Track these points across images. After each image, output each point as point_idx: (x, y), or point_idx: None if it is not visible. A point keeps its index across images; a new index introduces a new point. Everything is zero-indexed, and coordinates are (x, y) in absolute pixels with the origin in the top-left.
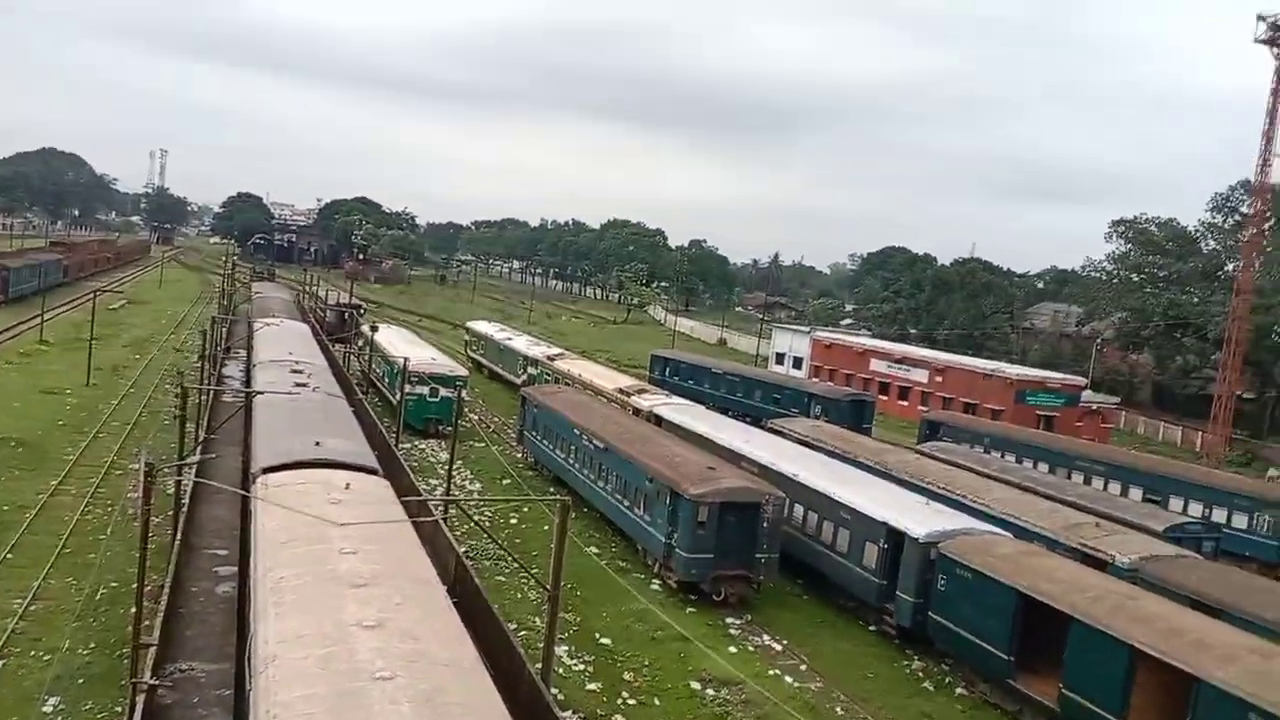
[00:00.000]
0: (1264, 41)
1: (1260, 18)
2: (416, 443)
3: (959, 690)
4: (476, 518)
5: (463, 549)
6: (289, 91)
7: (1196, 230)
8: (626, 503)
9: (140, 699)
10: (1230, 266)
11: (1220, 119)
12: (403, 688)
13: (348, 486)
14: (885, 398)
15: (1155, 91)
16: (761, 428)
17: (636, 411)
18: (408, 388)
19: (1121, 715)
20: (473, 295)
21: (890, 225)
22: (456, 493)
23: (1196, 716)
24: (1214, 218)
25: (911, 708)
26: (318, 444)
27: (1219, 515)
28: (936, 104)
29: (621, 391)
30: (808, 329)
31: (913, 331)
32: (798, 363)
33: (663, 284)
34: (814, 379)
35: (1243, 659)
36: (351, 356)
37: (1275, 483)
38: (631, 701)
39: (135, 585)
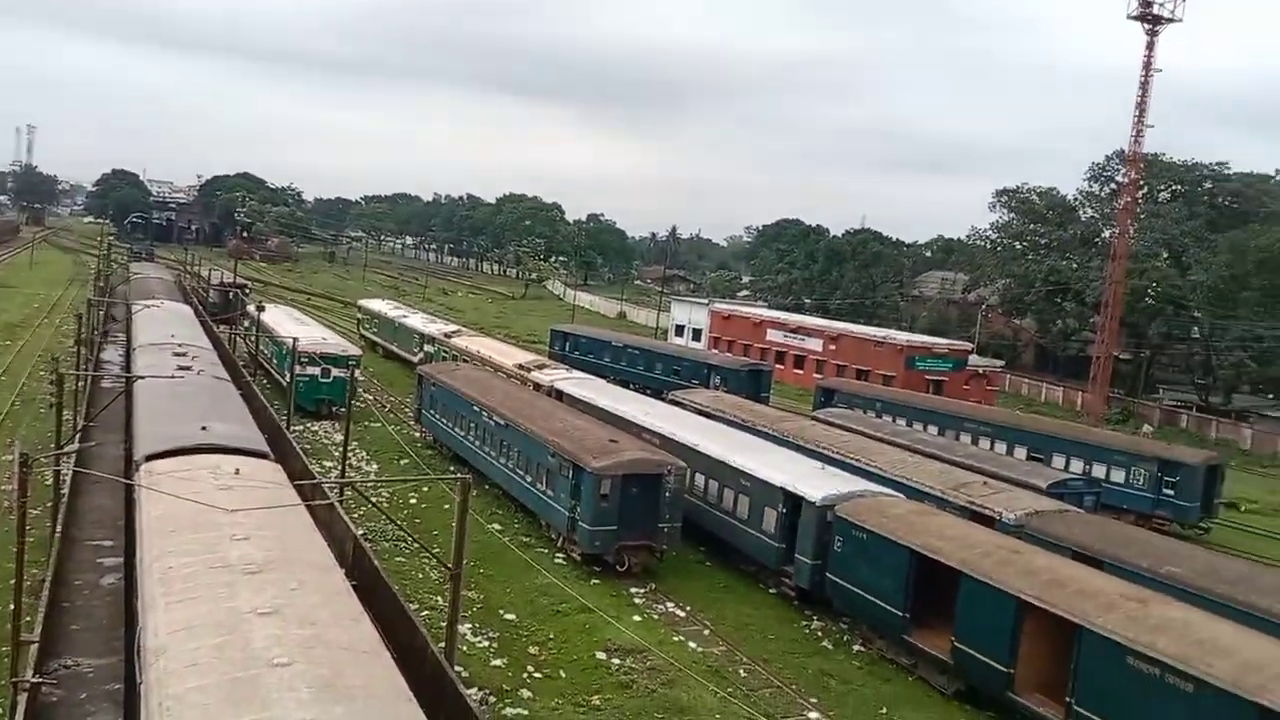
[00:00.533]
0: (1136, 17)
1: None
2: (309, 425)
3: (857, 647)
4: (374, 499)
5: (360, 531)
6: (165, 64)
7: (1075, 199)
8: (529, 478)
9: (23, 698)
10: (1107, 233)
11: (1099, 92)
12: (301, 673)
13: (237, 471)
14: (782, 367)
15: (1036, 67)
16: (662, 399)
17: (537, 387)
18: (298, 368)
19: (1010, 664)
20: (364, 272)
21: (785, 198)
22: (352, 474)
23: (1080, 661)
24: (1091, 187)
25: (811, 666)
26: (204, 429)
27: (1098, 471)
28: (828, 79)
29: (521, 367)
30: (706, 301)
31: (807, 301)
32: (697, 334)
33: (561, 258)
34: (713, 350)
35: (1121, 606)
36: (238, 338)
37: (1149, 438)
38: (537, 675)
39: (13, 580)
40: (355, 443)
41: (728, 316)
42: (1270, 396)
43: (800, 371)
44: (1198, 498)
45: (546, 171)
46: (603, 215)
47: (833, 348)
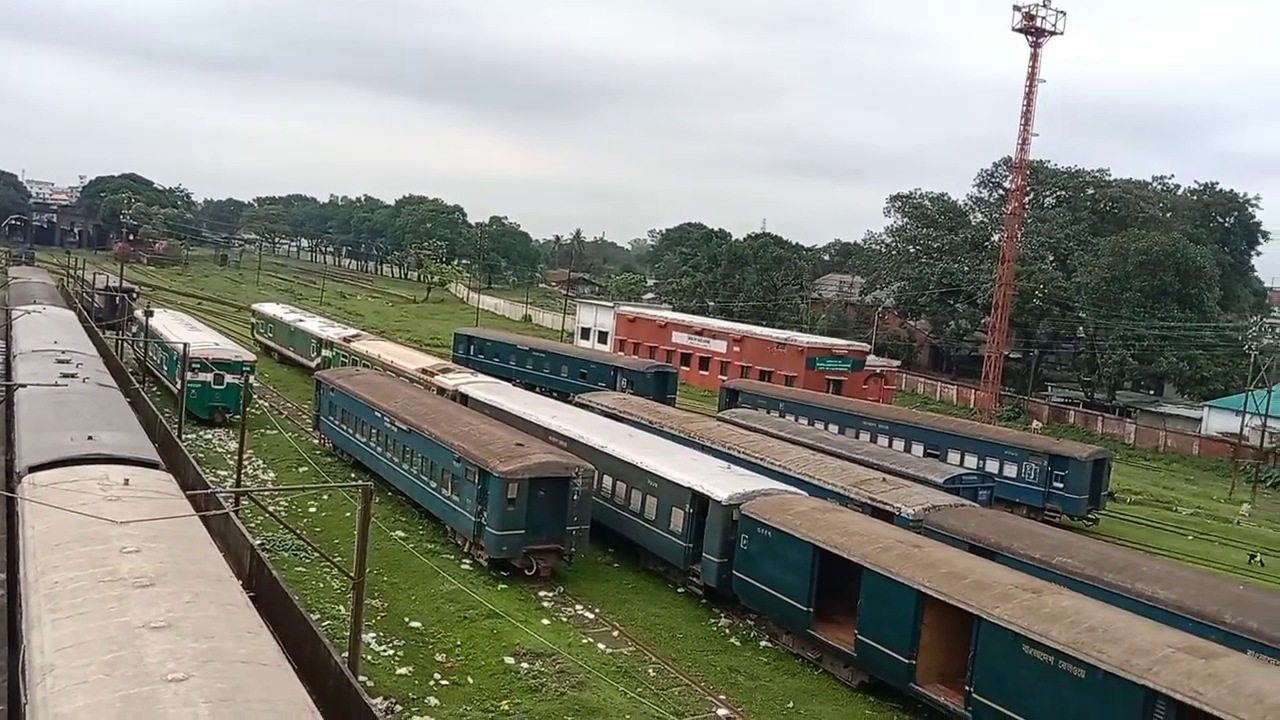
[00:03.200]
0: (1020, 30)
1: (1016, 8)
2: (202, 433)
3: (764, 643)
4: (272, 508)
5: (258, 541)
6: (43, 62)
7: (966, 204)
8: (433, 484)
9: None
10: (996, 237)
11: (987, 102)
12: (197, 688)
13: (126, 482)
14: (687, 368)
15: (931, 78)
16: (569, 402)
17: (441, 391)
18: (189, 375)
19: (911, 655)
20: (258, 275)
21: (688, 201)
22: (248, 483)
23: (978, 650)
24: (981, 192)
25: (720, 663)
26: (90, 438)
27: (991, 466)
28: (727, 85)
29: (424, 371)
30: (611, 304)
31: (711, 304)
32: (603, 337)
33: (464, 261)
34: (619, 353)
35: (1016, 596)
36: (125, 344)
37: (1039, 434)
38: (444, 682)
39: None
40: (251, 451)
41: (633, 319)
42: (1151, 393)
43: (705, 373)
44: (1085, 490)
45: (447, 174)
46: (506, 218)
47: (737, 349)
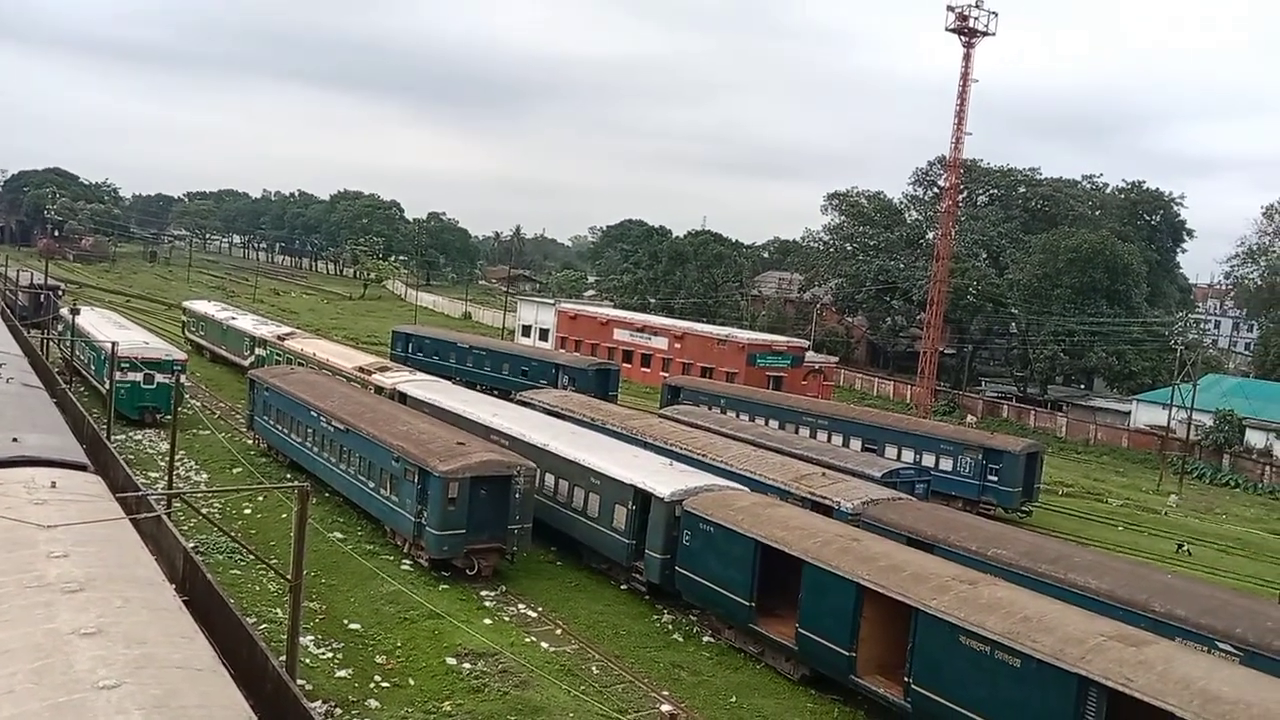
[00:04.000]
0: (953, 30)
1: (949, 9)
2: (132, 434)
3: (706, 639)
4: (205, 510)
5: (191, 544)
6: None
7: (901, 202)
8: (372, 484)
9: None
10: (931, 235)
11: (925, 101)
12: (130, 695)
13: (53, 485)
14: (629, 365)
15: (867, 77)
16: (511, 400)
17: (379, 390)
18: (118, 375)
19: (851, 648)
20: (189, 272)
21: (628, 198)
22: (181, 485)
23: (917, 642)
24: (916, 191)
25: (663, 659)
26: (15, 440)
27: (928, 460)
28: (666, 84)
29: (361, 370)
30: (553, 301)
31: (652, 301)
32: (544, 334)
33: (401, 257)
34: (561, 350)
35: (953, 588)
36: (51, 343)
37: (974, 428)
38: (385, 684)
39: None
40: (183, 452)
41: (574, 316)
42: (1081, 387)
43: (647, 370)
44: (1019, 483)
45: (384, 169)
46: (444, 214)
47: (678, 346)
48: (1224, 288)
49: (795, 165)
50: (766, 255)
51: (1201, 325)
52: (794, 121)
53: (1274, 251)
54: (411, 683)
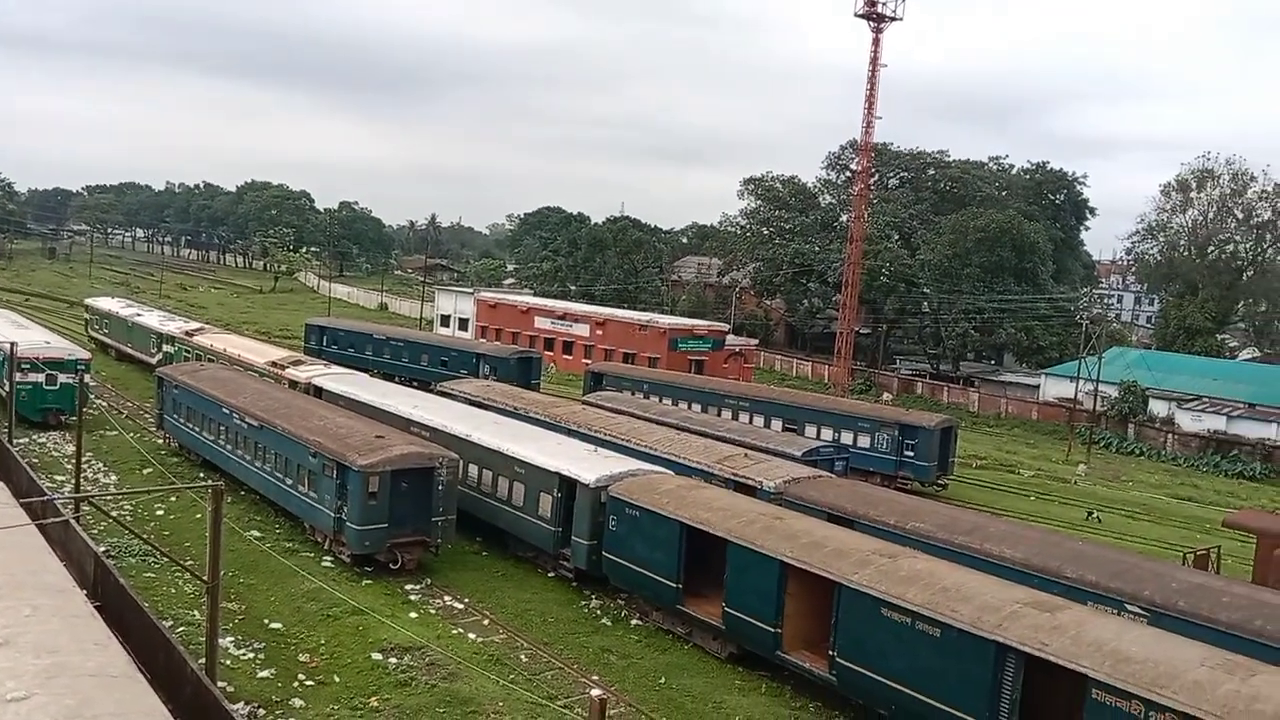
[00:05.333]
0: (862, 15)
1: None
2: (35, 437)
3: (635, 622)
4: (115, 513)
5: (102, 549)
6: None
7: (815, 186)
8: (289, 481)
9: None
10: (844, 218)
11: (838, 86)
12: (42, 707)
13: None
14: (551, 353)
15: (780, 63)
16: (430, 391)
17: (293, 384)
18: (18, 376)
19: (777, 624)
20: (90, 268)
21: (546, 185)
22: (89, 488)
23: (840, 616)
24: (829, 175)
25: (592, 644)
26: None
27: (847, 438)
28: (583, 71)
29: (275, 364)
30: (471, 290)
31: (572, 288)
32: (464, 324)
33: (313, 249)
34: (481, 339)
35: (874, 562)
36: None
37: (890, 406)
38: (309, 683)
39: None
40: (90, 454)
41: (494, 305)
42: (992, 363)
43: (569, 357)
44: (934, 458)
45: (293, 159)
46: (357, 203)
47: (600, 332)
48: (1126, 263)
49: (712, 151)
50: (685, 240)
51: (1105, 300)
52: (710, 108)
53: (1172, 228)
54: (337, 680)
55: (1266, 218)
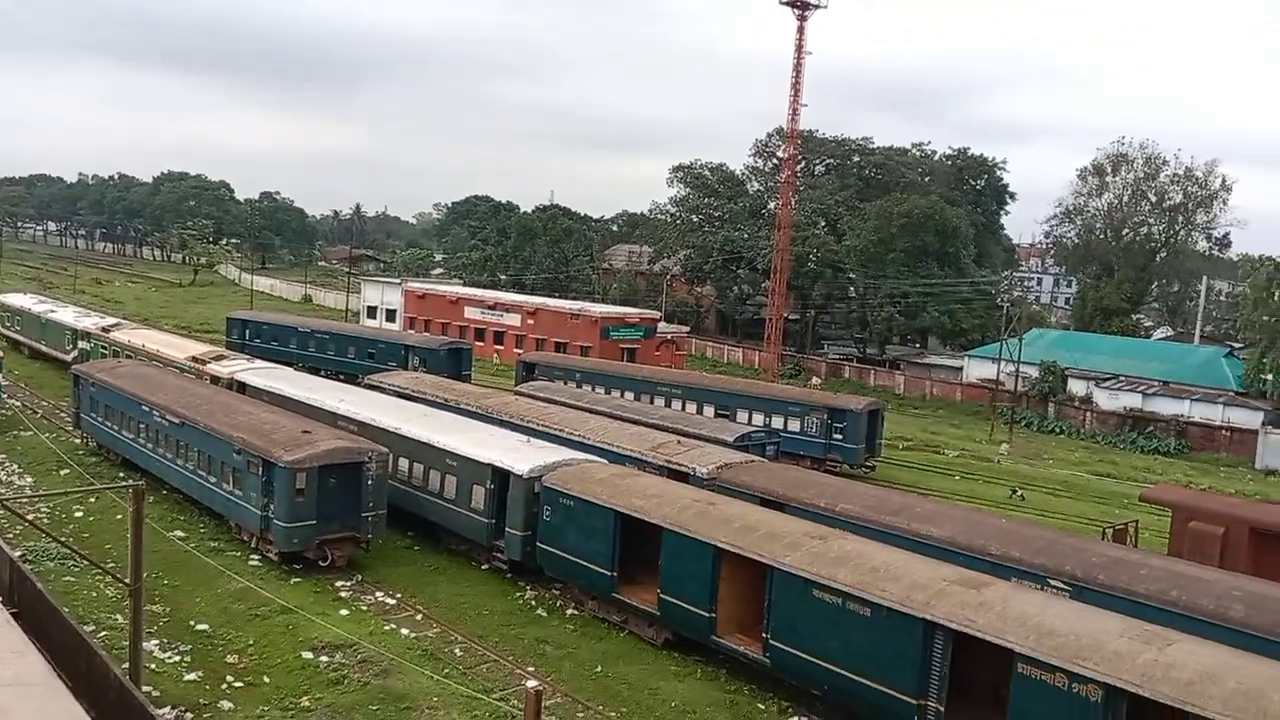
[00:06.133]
0: (786, 3)
1: None
2: None
3: (570, 611)
4: (32, 516)
5: (17, 553)
6: None
7: (743, 174)
8: (213, 479)
9: None
10: (772, 205)
11: (764, 74)
12: None
13: None
14: (482, 343)
15: (708, 51)
16: (358, 385)
17: (215, 380)
18: None
19: (711, 608)
20: None
21: (473, 175)
22: (2, 491)
23: (773, 599)
24: (757, 162)
25: (527, 636)
26: None
27: (777, 422)
28: (508, 59)
29: (195, 360)
30: (399, 280)
31: (502, 278)
32: (391, 315)
33: (233, 241)
34: (409, 331)
35: (805, 544)
36: None
37: (819, 390)
38: (238, 684)
39: None
40: (3, 455)
41: (423, 295)
42: (917, 346)
43: (501, 347)
44: (862, 440)
45: (211, 149)
46: (278, 193)
47: (531, 322)
48: (1044, 247)
49: (641, 139)
50: (616, 229)
51: (1025, 283)
52: (642, 96)
53: (1089, 211)
54: (266, 680)
55: (1178, 200)
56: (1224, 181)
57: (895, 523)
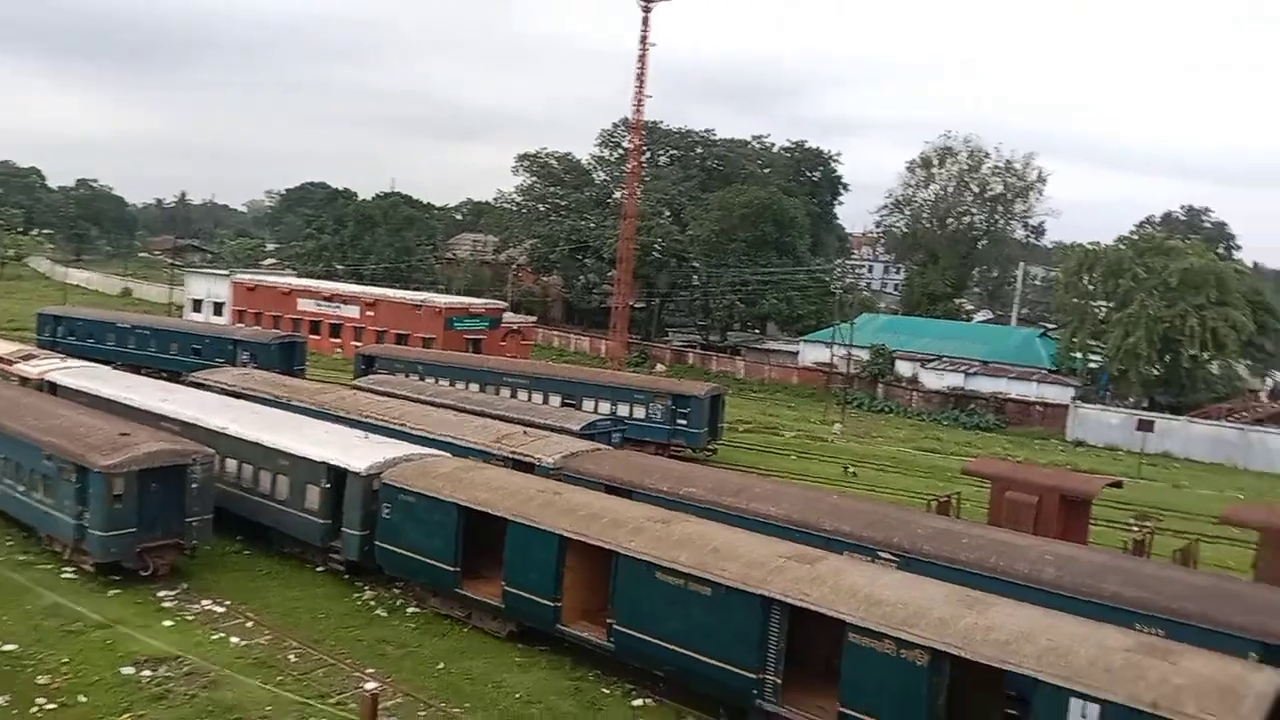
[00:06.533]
0: None
1: None
2: None
3: (411, 610)
4: None
5: None
6: None
7: (589, 163)
8: (20, 488)
9: None
10: (618, 194)
11: (612, 64)
12: None
13: None
14: (317, 337)
15: (555, 41)
16: (182, 383)
17: (24, 381)
18: None
19: (556, 598)
20: None
21: (309, 161)
22: None
23: (617, 584)
24: (603, 152)
25: (367, 637)
26: None
27: (623, 409)
28: (348, 44)
29: (2, 360)
30: (227, 272)
31: (339, 268)
32: (219, 308)
33: (46, 231)
34: (238, 324)
35: (648, 529)
36: None
37: (664, 376)
38: (50, 706)
39: None
40: None
41: (253, 288)
42: (757, 332)
43: (338, 340)
44: (705, 424)
45: (19, 133)
46: (96, 181)
47: (371, 314)
48: (875, 235)
49: (487, 127)
50: (460, 218)
51: (857, 270)
52: (485, 84)
53: (916, 202)
54: (83, 700)
55: (998, 191)
56: (1040, 174)
57: (735, 503)
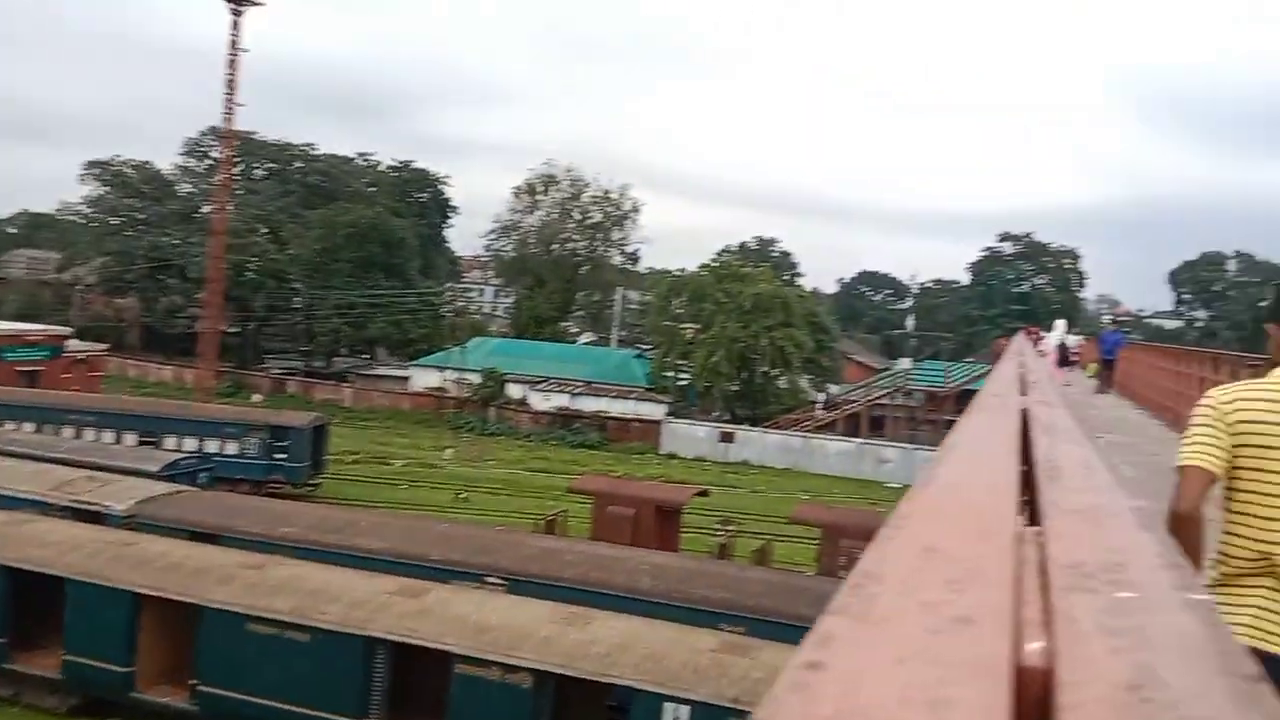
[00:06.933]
0: None
1: None
2: None
3: None
4: None
5: None
6: None
7: (172, 174)
8: None
9: None
10: (207, 209)
11: (204, 69)
12: None
13: None
14: None
15: (141, 39)
16: None
17: None
18: None
19: (129, 663)
20: None
21: None
22: None
23: (202, 641)
24: (188, 162)
25: None
26: None
27: (212, 445)
28: None
29: None
30: None
31: None
32: None
33: None
34: None
35: (239, 576)
36: None
37: (260, 407)
38: None
39: None
40: None
41: None
42: (365, 357)
43: None
44: (307, 457)
45: None
46: None
47: None
48: (485, 259)
49: (47, 128)
50: (12, 231)
51: (468, 293)
52: (41, 79)
53: (523, 227)
54: None
55: (598, 219)
56: (635, 204)
57: (338, 541)
